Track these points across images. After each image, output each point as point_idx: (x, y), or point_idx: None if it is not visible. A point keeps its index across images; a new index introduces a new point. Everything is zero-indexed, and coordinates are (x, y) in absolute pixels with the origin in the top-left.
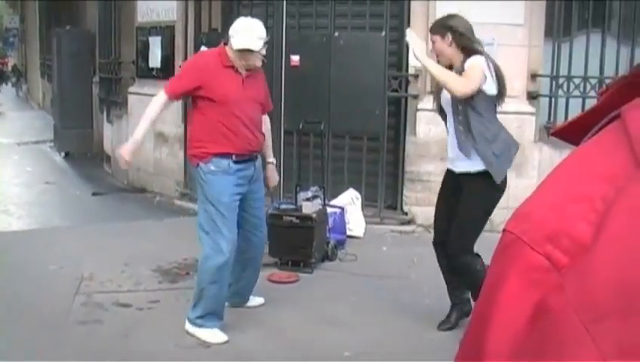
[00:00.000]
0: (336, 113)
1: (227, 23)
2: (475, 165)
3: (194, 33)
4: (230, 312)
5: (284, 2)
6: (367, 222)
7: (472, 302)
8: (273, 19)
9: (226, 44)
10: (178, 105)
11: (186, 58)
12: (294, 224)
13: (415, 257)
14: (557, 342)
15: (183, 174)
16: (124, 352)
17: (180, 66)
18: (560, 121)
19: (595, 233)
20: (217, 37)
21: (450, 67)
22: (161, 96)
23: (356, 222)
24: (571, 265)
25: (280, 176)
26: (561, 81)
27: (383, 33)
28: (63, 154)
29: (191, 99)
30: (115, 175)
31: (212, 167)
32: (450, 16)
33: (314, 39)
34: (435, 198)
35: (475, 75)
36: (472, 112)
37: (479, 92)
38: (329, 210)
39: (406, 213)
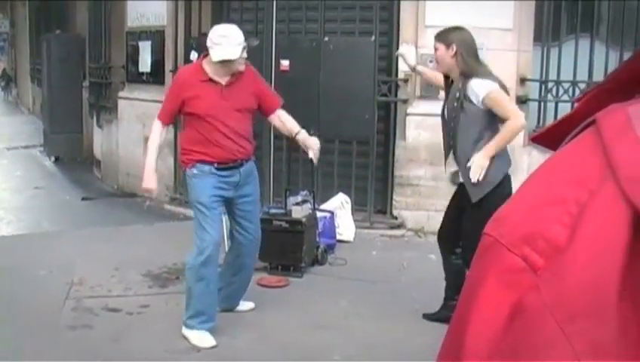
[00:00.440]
0: (326, 117)
1: None
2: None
3: (184, 38)
4: (220, 317)
5: (274, 7)
6: (356, 227)
7: None
8: (263, 24)
9: (205, 56)
10: None
11: (176, 63)
12: (284, 228)
13: (405, 261)
14: (533, 341)
15: (172, 179)
16: (114, 357)
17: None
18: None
19: (569, 235)
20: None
21: (447, 76)
22: (157, 125)
23: (346, 227)
24: (547, 266)
25: (270, 181)
26: (550, 85)
27: (373, 38)
28: (52, 158)
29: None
30: (104, 179)
31: (195, 171)
32: (456, 29)
33: (304, 44)
34: (424, 202)
35: (504, 103)
36: (460, 130)
37: (468, 108)
38: (319, 214)
39: (396, 218)
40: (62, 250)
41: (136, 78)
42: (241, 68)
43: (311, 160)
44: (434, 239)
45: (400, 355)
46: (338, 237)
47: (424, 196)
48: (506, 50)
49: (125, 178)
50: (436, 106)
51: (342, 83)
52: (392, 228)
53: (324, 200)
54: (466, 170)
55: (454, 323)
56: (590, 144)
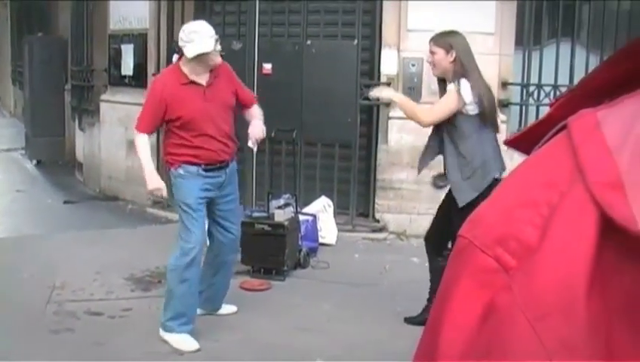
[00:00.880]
0: (309, 121)
1: None
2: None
3: (166, 41)
4: (203, 320)
5: (257, 10)
6: (339, 230)
7: None
8: (246, 27)
9: (180, 58)
10: None
11: (158, 66)
12: (266, 232)
13: (387, 264)
14: (505, 339)
15: None
16: (97, 360)
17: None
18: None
19: (540, 236)
20: None
21: (442, 79)
22: (141, 138)
23: (328, 230)
24: (519, 266)
25: (252, 184)
26: (531, 89)
27: (355, 41)
28: (34, 162)
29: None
30: (86, 183)
31: (181, 171)
32: (455, 33)
33: (286, 47)
34: (406, 205)
35: (441, 106)
36: (446, 136)
37: (458, 114)
38: (301, 217)
39: (378, 221)
40: (43, 253)
41: (118, 81)
42: (218, 60)
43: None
44: (416, 242)
45: (382, 357)
46: (320, 240)
47: (406, 199)
48: (488, 54)
49: (107, 181)
50: None
51: (324, 86)
52: (374, 231)
53: (307, 203)
54: (452, 174)
55: (430, 324)
56: (562, 147)
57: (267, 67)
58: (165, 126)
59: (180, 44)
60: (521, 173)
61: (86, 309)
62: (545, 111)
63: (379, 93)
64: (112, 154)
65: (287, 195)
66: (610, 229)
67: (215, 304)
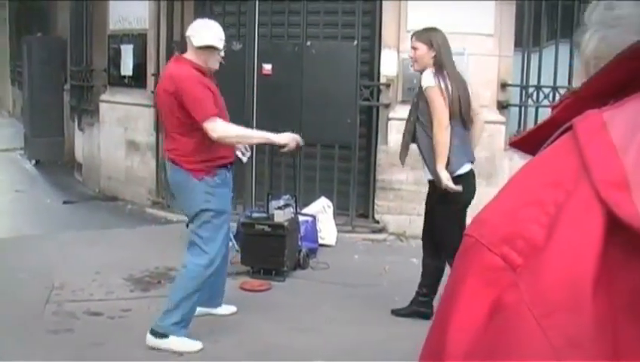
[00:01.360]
0: (308, 122)
1: None
2: (428, 174)
3: (166, 41)
4: (202, 320)
5: (257, 11)
6: (338, 231)
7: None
8: (246, 28)
9: (181, 48)
10: (150, 113)
11: (158, 66)
12: (266, 232)
13: (386, 265)
14: (512, 336)
15: (154, 182)
16: (96, 361)
17: (184, 92)
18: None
19: (547, 234)
20: None
21: (422, 72)
22: (218, 122)
23: (328, 231)
24: (525, 264)
25: (252, 185)
26: (530, 90)
27: (355, 42)
28: (33, 162)
29: (176, 115)
30: (86, 183)
31: (217, 180)
32: (436, 30)
33: (286, 48)
34: (406, 206)
35: (438, 110)
36: (419, 126)
37: (426, 105)
38: (301, 218)
39: (377, 222)
40: (43, 253)
41: (118, 81)
42: (217, 66)
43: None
44: (415, 243)
45: (382, 358)
46: (320, 241)
47: (406, 200)
48: (487, 55)
49: (107, 181)
50: None
51: (324, 87)
52: (373, 232)
53: (307, 204)
54: (430, 165)
55: (436, 323)
56: (567, 148)
57: (267, 68)
58: (192, 128)
59: (189, 32)
60: (527, 173)
61: (85, 309)
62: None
63: (448, 182)
64: (111, 154)
65: (286, 196)
66: (616, 227)
67: (218, 300)
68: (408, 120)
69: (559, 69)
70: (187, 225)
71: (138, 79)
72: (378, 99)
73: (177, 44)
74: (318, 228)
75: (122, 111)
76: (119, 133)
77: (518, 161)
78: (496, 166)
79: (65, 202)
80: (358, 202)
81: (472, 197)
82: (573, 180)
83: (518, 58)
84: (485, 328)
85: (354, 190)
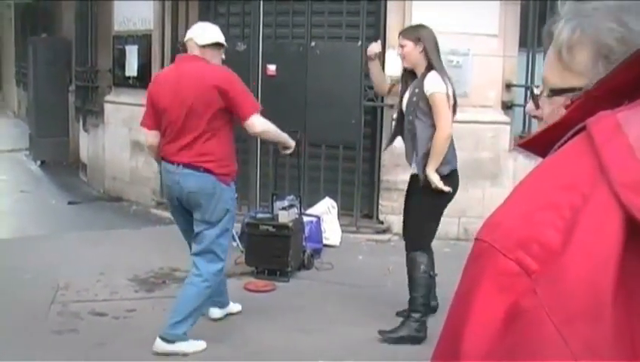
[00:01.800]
0: (313, 122)
1: None
2: (415, 169)
3: (171, 42)
4: (206, 321)
5: (261, 11)
6: (343, 231)
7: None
8: (250, 29)
9: (185, 51)
10: None
11: (162, 67)
12: (271, 233)
13: (391, 266)
14: (530, 343)
15: (159, 183)
16: (100, 361)
17: (231, 86)
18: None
19: (564, 239)
20: None
21: (411, 71)
22: (262, 118)
23: (332, 231)
24: (542, 270)
25: (256, 185)
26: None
27: (359, 43)
28: (38, 162)
29: (212, 114)
30: (90, 184)
31: (233, 186)
32: (422, 27)
33: (290, 49)
34: None
35: (442, 109)
36: (418, 121)
37: (424, 100)
38: (305, 218)
39: (382, 222)
40: (48, 254)
41: (122, 82)
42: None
43: None
44: None
45: (386, 358)
46: (324, 241)
47: None
48: (492, 55)
49: (111, 182)
50: None
51: (328, 88)
52: (378, 232)
53: (311, 204)
54: (421, 162)
55: (449, 325)
56: (581, 149)
57: (271, 68)
58: (221, 130)
59: (196, 32)
60: (539, 176)
61: (90, 310)
62: None
63: (439, 184)
64: (116, 155)
65: (291, 196)
66: (635, 231)
67: (225, 298)
68: (403, 118)
69: None
70: (196, 234)
71: (143, 80)
72: (382, 100)
73: (182, 45)
74: (322, 229)
75: (127, 112)
76: (124, 133)
77: (522, 161)
78: (501, 166)
79: (70, 203)
80: (362, 202)
81: (455, 194)
82: (589, 183)
83: (522, 58)
84: (502, 333)
85: (358, 190)
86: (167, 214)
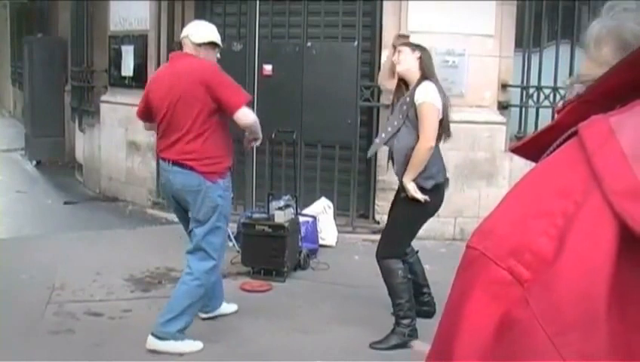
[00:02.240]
0: (309, 122)
1: None
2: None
3: (167, 42)
4: (203, 321)
5: (257, 12)
6: (339, 231)
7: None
8: (246, 29)
9: (180, 48)
10: None
11: (159, 67)
12: (267, 233)
13: None
14: (524, 354)
15: (155, 183)
16: (97, 361)
17: (217, 80)
18: (530, 131)
19: (556, 248)
20: None
21: (401, 79)
22: (249, 110)
23: (328, 231)
24: (534, 278)
25: (252, 185)
26: (531, 91)
27: (356, 43)
28: (34, 162)
29: (204, 112)
30: (86, 184)
31: (227, 183)
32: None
33: (286, 49)
34: None
35: (427, 121)
36: (404, 127)
37: (412, 109)
38: (301, 218)
39: (378, 222)
40: (43, 254)
41: (118, 82)
42: None
43: None
44: (415, 244)
45: (381, 359)
46: (320, 241)
47: None
48: (488, 55)
49: (107, 182)
50: None
51: (324, 88)
52: (374, 232)
53: (307, 204)
54: (402, 168)
55: (440, 334)
56: (573, 155)
57: (267, 68)
58: (211, 127)
59: (190, 31)
60: (532, 181)
61: (86, 310)
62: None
63: (415, 193)
64: (112, 155)
65: (287, 196)
66: (629, 240)
67: (221, 299)
68: (391, 124)
69: (560, 69)
70: (189, 231)
71: (139, 80)
72: (378, 100)
73: (178, 45)
74: (318, 229)
75: (123, 112)
76: (120, 133)
77: (518, 161)
78: (497, 166)
79: (65, 203)
80: (358, 202)
81: (439, 208)
82: (581, 190)
83: (518, 59)
84: (494, 342)
85: (354, 190)
86: (163, 214)
